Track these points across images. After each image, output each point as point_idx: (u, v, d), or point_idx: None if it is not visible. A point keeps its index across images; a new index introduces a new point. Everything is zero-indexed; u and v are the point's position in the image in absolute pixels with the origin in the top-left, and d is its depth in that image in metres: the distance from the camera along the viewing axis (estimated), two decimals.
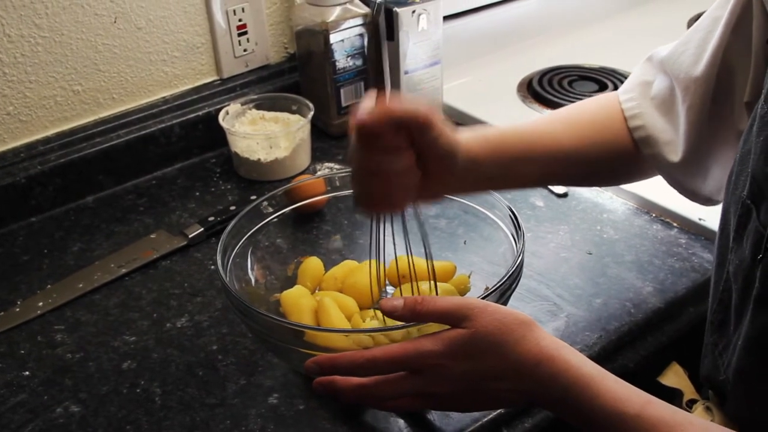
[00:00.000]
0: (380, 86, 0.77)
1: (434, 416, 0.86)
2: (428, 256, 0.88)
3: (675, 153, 0.91)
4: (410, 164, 0.78)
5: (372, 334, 0.83)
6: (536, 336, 0.74)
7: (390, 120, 0.74)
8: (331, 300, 0.91)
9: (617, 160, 0.96)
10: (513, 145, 0.89)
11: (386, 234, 0.87)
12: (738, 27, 0.83)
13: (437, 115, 0.77)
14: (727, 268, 0.78)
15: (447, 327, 0.76)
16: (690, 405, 0.88)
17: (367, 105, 0.76)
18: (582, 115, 0.96)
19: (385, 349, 0.76)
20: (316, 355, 0.80)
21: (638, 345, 0.97)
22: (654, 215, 1.15)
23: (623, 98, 0.96)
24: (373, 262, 0.91)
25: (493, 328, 0.74)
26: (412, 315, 0.77)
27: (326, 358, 0.78)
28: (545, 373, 0.72)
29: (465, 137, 0.83)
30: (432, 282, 0.91)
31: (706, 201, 0.95)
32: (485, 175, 0.87)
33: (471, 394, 0.77)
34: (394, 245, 0.89)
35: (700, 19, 0.89)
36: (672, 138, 0.91)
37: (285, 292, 0.95)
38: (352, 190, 0.84)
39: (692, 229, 1.11)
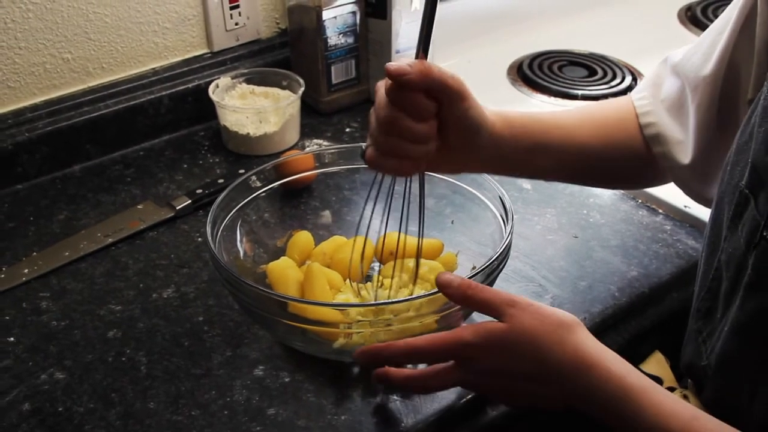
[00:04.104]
0: (423, 51, 0.78)
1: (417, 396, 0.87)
2: (420, 230, 0.89)
3: (685, 154, 0.92)
4: (431, 133, 0.79)
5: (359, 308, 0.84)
6: (575, 340, 0.74)
7: (426, 79, 0.75)
8: (319, 266, 0.92)
9: (629, 160, 0.96)
10: (533, 130, 0.89)
11: (384, 202, 0.87)
12: (745, 26, 0.83)
13: (467, 88, 0.78)
14: (718, 257, 0.78)
15: (449, 304, 0.81)
16: None
17: (403, 61, 0.76)
18: (597, 113, 0.97)
19: (427, 338, 0.78)
20: (362, 349, 0.82)
21: (621, 328, 0.98)
22: (640, 201, 1.16)
23: (636, 97, 0.97)
24: (361, 237, 0.92)
25: (530, 326, 0.75)
26: (461, 297, 0.79)
27: (374, 348, 0.80)
28: (584, 383, 0.73)
29: (490, 114, 0.84)
30: (418, 257, 0.91)
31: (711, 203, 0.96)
32: (505, 155, 0.87)
33: (508, 390, 0.79)
34: (387, 220, 0.89)
35: (715, 21, 0.91)
36: (682, 138, 0.92)
37: (271, 263, 0.96)
38: (365, 144, 0.83)
39: (678, 216, 1.12)
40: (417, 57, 0.78)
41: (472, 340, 0.76)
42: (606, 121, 0.95)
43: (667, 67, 0.95)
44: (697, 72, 0.89)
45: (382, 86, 0.79)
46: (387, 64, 0.75)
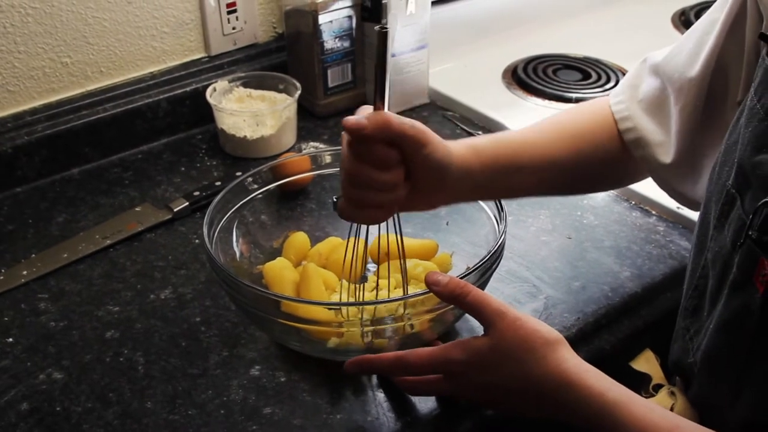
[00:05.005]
0: (380, 100, 0.78)
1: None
2: (402, 264, 0.90)
3: (666, 154, 0.91)
4: (397, 181, 0.79)
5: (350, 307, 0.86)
6: (558, 358, 0.76)
7: (384, 131, 0.75)
8: (314, 267, 0.93)
9: (608, 164, 0.96)
10: (504, 155, 0.89)
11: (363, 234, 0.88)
12: (734, 29, 0.83)
13: (429, 132, 0.79)
14: (705, 256, 0.80)
15: (441, 304, 0.83)
16: (656, 389, 0.90)
17: (363, 113, 0.77)
18: (573, 123, 0.96)
19: (415, 353, 0.81)
20: (355, 357, 0.85)
21: (614, 328, 0.99)
22: (633, 203, 1.17)
23: (613, 101, 0.96)
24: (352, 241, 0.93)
25: (514, 343, 0.77)
26: (449, 296, 0.81)
27: (365, 359, 0.83)
28: (565, 399, 0.75)
29: (457, 148, 0.84)
30: (406, 285, 0.92)
31: (696, 205, 0.94)
32: (478, 184, 0.87)
33: (497, 402, 0.81)
34: (367, 237, 0.89)
35: (697, 22, 0.90)
36: (663, 139, 0.92)
37: (268, 263, 0.97)
38: (336, 196, 0.84)
39: (670, 218, 1.13)
40: (374, 106, 0.78)
41: (459, 357, 0.78)
42: (580, 132, 0.94)
43: (645, 68, 0.95)
44: (682, 73, 0.88)
45: (345, 138, 0.79)
46: (344, 119, 0.76)
